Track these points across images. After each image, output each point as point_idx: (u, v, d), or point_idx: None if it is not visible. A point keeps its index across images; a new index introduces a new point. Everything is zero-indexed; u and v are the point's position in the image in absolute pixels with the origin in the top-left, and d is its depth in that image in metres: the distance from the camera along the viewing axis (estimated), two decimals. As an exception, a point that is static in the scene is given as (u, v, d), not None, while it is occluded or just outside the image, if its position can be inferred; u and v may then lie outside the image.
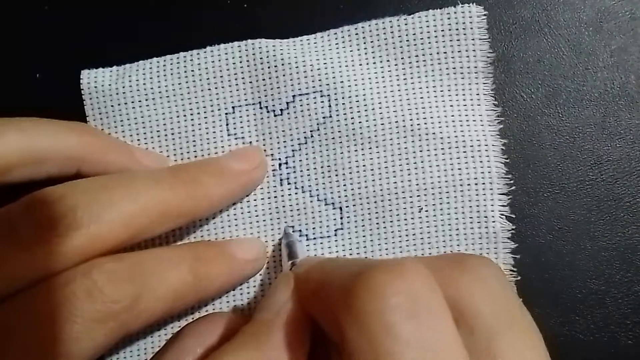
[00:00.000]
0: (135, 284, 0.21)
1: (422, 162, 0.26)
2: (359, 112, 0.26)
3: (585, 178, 0.26)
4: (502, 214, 0.25)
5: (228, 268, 0.25)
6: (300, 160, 0.26)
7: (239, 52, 0.26)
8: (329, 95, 0.26)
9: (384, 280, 0.17)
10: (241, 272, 0.25)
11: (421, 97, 0.26)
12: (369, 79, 0.26)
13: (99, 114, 0.27)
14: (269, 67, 0.26)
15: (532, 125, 0.26)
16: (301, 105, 0.26)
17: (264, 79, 0.26)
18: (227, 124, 0.27)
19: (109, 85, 0.27)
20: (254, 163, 0.25)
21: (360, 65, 0.26)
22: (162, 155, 0.26)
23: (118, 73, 0.27)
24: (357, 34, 0.26)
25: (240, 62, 0.26)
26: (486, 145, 0.26)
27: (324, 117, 0.26)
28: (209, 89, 0.26)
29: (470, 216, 0.25)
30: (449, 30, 0.26)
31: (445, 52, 0.26)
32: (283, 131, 0.26)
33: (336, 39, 0.26)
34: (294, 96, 0.26)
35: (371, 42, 0.26)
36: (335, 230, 0.26)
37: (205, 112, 0.27)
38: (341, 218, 0.26)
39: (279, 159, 0.26)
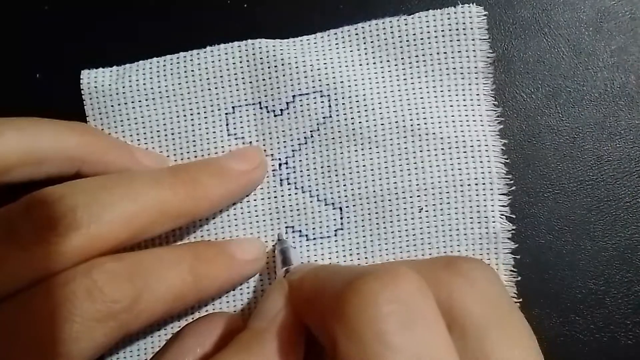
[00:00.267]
0: (135, 283, 0.21)
1: (422, 162, 0.26)
2: (359, 112, 0.26)
3: (585, 178, 0.26)
4: (502, 214, 0.25)
5: (228, 268, 0.25)
6: (300, 160, 0.26)
7: (239, 52, 0.26)
8: (329, 95, 0.26)
9: (376, 288, 0.17)
10: (241, 272, 0.25)
11: (421, 97, 0.26)
12: (369, 79, 0.26)
13: (99, 114, 0.27)
14: (269, 67, 0.26)
15: (532, 126, 0.26)
16: (301, 105, 0.26)
17: (264, 79, 0.26)
18: (227, 124, 0.27)
19: (109, 85, 0.27)
20: (254, 163, 0.25)
21: (360, 65, 0.26)
22: (162, 155, 0.26)
23: (118, 73, 0.27)
24: (357, 34, 0.26)
25: (240, 62, 0.26)
26: (486, 145, 0.26)
27: (324, 117, 0.26)
28: (209, 89, 0.26)
29: (470, 216, 0.25)
30: (449, 30, 0.26)
31: (445, 52, 0.26)
32: (283, 131, 0.26)
33: (336, 39, 0.26)
34: (294, 96, 0.26)
35: (371, 42, 0.26)
36: (335, 231, 0.26)
37: (205, 112, 0.27)
38: (341, 218, 0.26)
39: (279, 159, 0.26)
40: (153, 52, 0.27)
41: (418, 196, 0.26)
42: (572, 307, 0.26)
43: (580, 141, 0.26)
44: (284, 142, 0.26)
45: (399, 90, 0.26)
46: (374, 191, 0.26)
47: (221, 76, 0.26)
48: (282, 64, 0.26)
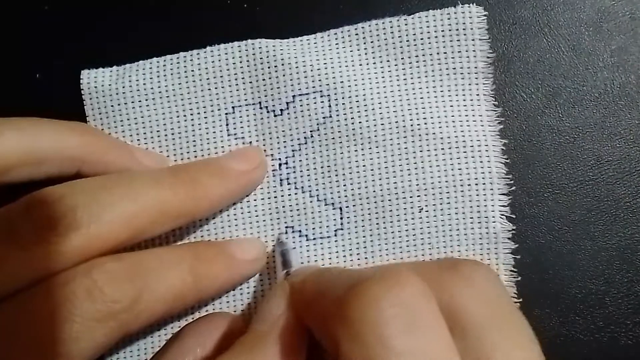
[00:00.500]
0: (135, 283, 0.21)
1: (422, 162, 0.26)
2: (359, 112, 0.26)
3: (585, 178, 0.26)
4: (503, 214, 0.25)
5: (228, 268, 0.25)
6: (300, 161, 0.26)
7: (239, 52, 0.26)
8: (329, 95, 0.26)
9: (379, 291, 0.17)
10: (241, 272, 0.25)
11: (421, 97, 0.26)
12: (369, 79, 0.26)
13: (99, 114, 0.27)
14: (269, 67, 0.26)
15: (532, 126, 0.26)
16: (301, 105, 0.26)
17: (264, 79, 0.26)
18: (227, 124, 0.27)
19: (109, 85, 0.27)
20: (254, 163, 0.25)
21: (360, 65, 0.26)
22: (162, 155, 0.26)
23: (118, 73, 0.27)
24: (357, 34, 0.26)
25: (240, 62, 0.26)
26: (486, 145, 0.26)
27: (324, 117, 0.26)
28: (209, 89, 0.26)
29: (470, 216, 0.25)
30: (449, 30, 0.26)
31: (445, 52, 0.26)
32: (283, 131, 0.26)
33: (336, 39, 0.26)
34: (294, 96, 0.26)
35: (371, 42, 0.26)
36: (335, 231, 0.26)
37: (205, 112, 0.27)
38: (341, 218, 0.26)
39: (279, 159, 0.26)
40: (153, 52, 0.27)
41: (418, 196, 0.26)
42: (572, 307, 0.26)
43: (580, 141, 0.26)
44: (284, 142, 0.26)
45: (399, 90, 0.26)
46: (374, 191, 0.26)
47: (221, 76, 0.26)
48: (282, 64, 0.26)
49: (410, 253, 0.26)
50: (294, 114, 0.26)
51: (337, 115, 0.26)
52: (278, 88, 0.26)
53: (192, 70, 0.26)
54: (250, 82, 0.26)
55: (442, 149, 0.26)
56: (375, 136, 0.26)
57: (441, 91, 0.26)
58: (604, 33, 0.26)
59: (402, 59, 0.26)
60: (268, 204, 0.26)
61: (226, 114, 0.27)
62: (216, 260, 0.24)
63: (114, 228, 0.21)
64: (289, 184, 0.26)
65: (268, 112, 0.26)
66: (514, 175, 0.26)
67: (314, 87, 0.26)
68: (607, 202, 0.26)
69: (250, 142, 0.26)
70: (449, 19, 0.26)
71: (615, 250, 0.26)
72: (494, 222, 0.25)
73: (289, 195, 0.26)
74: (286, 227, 0.26)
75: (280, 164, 0.26)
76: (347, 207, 0.26)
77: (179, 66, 0.26)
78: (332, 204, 0.26)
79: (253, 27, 0.27)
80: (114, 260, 0.21)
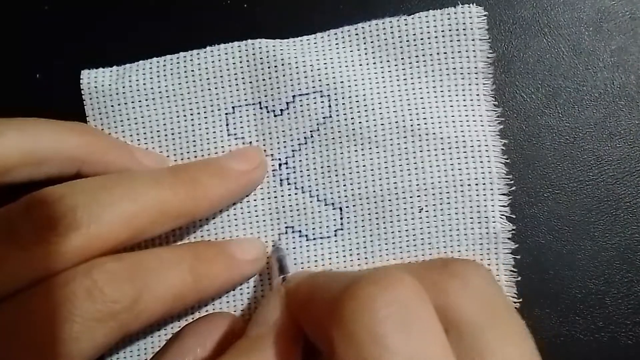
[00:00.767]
0: (135, 284, 0.21)
1: (422, 162, 0.26)
2: (359, 112, 0.26)
3: (585, 178, 0.26)
4: (503, 214, 0.25)
5: (228, 268, 0.25)
6: (300, 161, 0.26)
7: (239, 52, 0.26)
8: (329, 95, 0.26)
9: (373, 291, 0.17)
10: (241, 272, 0.25)
11: (421, 98, 0.26)
12: (369, 79, 0.26)
13: (99, 114, 0.27)
14: (269, 67, 0.26)
15: (532, 126, 0.26)
16: (301, 105, 0.26)
17: (264, 79, 0.26)
18: (227, 124, 0.27)
19: (109, 85, 0.27)
20: (254, 163, 0.25)
21: (360, 65, 0.26)
22: (162, 155, 0.26)
23: (118, 73, 0.27)
24: (357, 34, 0.26)
25: (240, 62, 0.26)
26: (486, 145, 0.26)
27: (324, 117, 0.26)
28: (209, 89, 0.26)
29: (470, 216, 0.25)
30: (449, 30, 0.26)
31: (445, 53, 0.26)
32: (283, 131, 0.26)
33: (336, 39, 0.26)
34: (294, 96, 0.26)
35: (371, 42, 0.26)
36: (335, 231, 0.26)
37: (205, 112, 0.27)
38: (341, 218, 0.26)
39: (279, 159, 0.26)
40: (153, 52, 0.27)
41: (418, 196, 0.26)
42: (572, 307, 0.26)
43: (580, 141, 0.26)
44: (284, 142, 0.26)
45: (399, 90, 0.26)
46: (374, 191, 0.26)
47: (221, 76, 0.26)
48: (282, 64, 0.26)
49: (410, 253, 0.26)
50: (294, 114, 0.26)
51: (337, 115, 0.26)
52: (278, 88, 0.26)
53: (192, 70, 0.26)
54: (250, 82, 0.26)
55: (442, 149, 0.26)
56: (375, 136, 0.26)
57: (441, 91, 0.26)
58: (604, 33, 0.26)
59: (402, 59, 0.26)
60: (268, 204, 0.26)
61: (226, 114, 0.27)
62: (216, 260, 0.24)
63: (114, 228, 0.21)
64: (289, 184, 0.26)
65: (268, 112, 0.26)
66: (514, 175, 0.26)
67: (314, 87, 0.26)
68: (607, 202, 0.26)
69: (250, 142, 0.26)
70: (449, 19, 0.26)
71: (616, 250, 0.26)
72: (494, 222, 0.25)
73: (289, 195, 0.26)
74: (286, 227, 0.26)
75: (280, 164, 0.26)
76: (347, 207, 0.26)
77: (179, 66, 0.26)
78: (332, 204, 0.26)
79: (253, 27, 0.27)
80: (114, 261, 0.21)
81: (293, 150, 0.26)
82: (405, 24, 0.26)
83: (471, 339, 0.19)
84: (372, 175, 0.26)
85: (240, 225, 0.26)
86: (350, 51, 0.26)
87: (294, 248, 0.26)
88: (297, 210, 0.26)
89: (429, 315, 0.17)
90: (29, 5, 0.28)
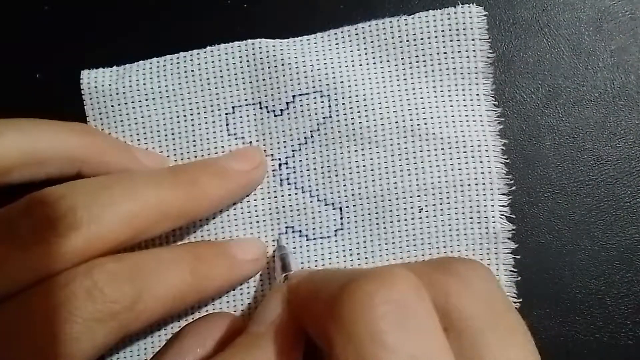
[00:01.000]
0: (136, 284, 0.21)
1: (422, 162, 0.26)
2: (359, 112, 0.26)
3: (585, 178, 0.26)
4: (502, 214, 0.25)
5: (228, 268, 0.25)
6: (300, 161, 0.26)
7: (239, 52, 0.26)
8: (329, 95, 0.26)
9: (371, 289, 0.17)
10: (241, 273, 0.25)
11: (421, 97, 0.26)
12: (369, 79, 0.26)
13: (99, 114, 0.27)
14: (269, 67, 0.26)
15: (532, 126, 0.26)
16: (301, 105, 0.26)
17: (264, 79, 0.26)
18: (227, 124, 0.27)
19: (109, 85, 0.27)
20: (254, 163, 0.25)
21: (360, 65, 0.26)
22: (162, 155, 0.26)
23: (118, 73, 0.27)
24: (357, 34, 0.26)
25: (240, 62, 0.26)
26: (486, 145, 0.26)
27: (324, 117, 0.26)
28: (209, 89, 0.26)
29: (470, 216, 0.25)
30: (449, 30, 0.26)
31: (445, 52, 0.26)
32: (283, 131, 0.26)
33: (336, 39, 0.26)
34: (294, 96, 0.26)
35: (371, 42, 0.26)
36: (335, 231, 0.26)
37: (205, 112, 0.27)
38: (341, 218, 0.26)
39: (279, 159, 0.26)
40: (153, 52, 0.27)
41: (418, 196, 0.26)
42: (572, 307, 0.26)
43: (580, 141, 0.26)
44: (284, 142, 0.26)
45: (399, 90, 0.26)
46: (374, 191, 0.26)
47: (221, 76, 0.26)
48: (282, 64, 0.26)
49: (410, 253, 0.26)
50: (294, 114, 0.26)
51: (337, 115, 0.26)
52: (278, 88, 0.26)
53: (192, 70, 0.26)
54: (250, 82, 0.26)
55: (442, 149, 0.26)
56: (375, 136, 0.26)
57: (441, 91, 0.26)
58: (604, 33, 0.26)
59: (402, 59, 0.26)
60: (268, 204, 0.26)
61: (226, 114, 0.27)
62: (217, 260, 0.24)
63: (114, 228, 0.21)
64: (289, 184, 0.26)
65: (268, 112, 0.26)
66: (514, 175, 0.26)
67: (314, 87, 0.26)
68: (607, 202, 0.26)
69: (250, 142, 0.26)
70: (449, 19, 0.26)
71: (615, 250, 0.26)
72: (494, 222, 0.25)
73: (289, 195, 0.26)
74: (286, 227, 0.26)
75: (280, 164, 0.26)
76: (347, 207, 0.26)
77: (179, 66, 0.26)
78: (332, 204, 0.26)
79: (253, 27, 0.27)
80: (114, 261, 0.21)
81: (293, 150, 0.26)
82: (405, 24, 0.26)
83: (471, 340, 0.19)
84: (372, 175, 0.26)
85: (240, 225, 0.26)
86: (350, 51, 0.26)
87: (294, 248, 0.26)
88: (297, 210, 0.26)
89: (428, 312, 0.17)
90: (29, 5, 0.28)
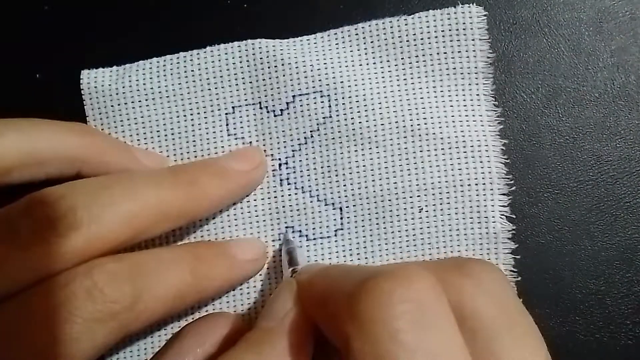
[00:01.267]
0: (136, 284, 0.21)
1: (422, 162, 0.26)
2: (359, 112, 0.26)
3: (586, 178, 0.26)
4: (503, 214, 0.25)
5: (228, 268, 0.25)
6: (300, 161, 0.26)
7: (239, 52, 0.26)
8: (329, 95, 0.26)
9: (390, 287, 0.17)
10: (241, 273, 0.25)
11: (421, 97, 0.26)
12: (369, 79, 0.26)
13: (99, 114, 0.27)
14: (269, 67, 0.26)
15: (532, 126, 0.26)
16: (301, 105, 0.26)
17: (264, 79, 0.26)
18: (227, 124, 0.27)
19: (109, 85, 0.27)
20: (254, 163, 0.25)
21: (360, 65, 0.26)
22: (162, 156, 0.26)
23: (118, 73, 0.27)
24: (357, 34, 0.26)
25: (240, 62, 0.26)
26: (486, 145, 0.26)
27: (324, 117, 0.26)
28: (209, 89, 0.26)
29: (470, 216, 0.25)
30: (449, 30, 0.26)
31: (445, 53, 0.26)
32: (283, 131, 0.26)
33: (336, 39, 0.26)
34: (294, 96, 0.26)
35: (371, 42, 0.26)
36: (335, 231, 0.26)
37: (205, 112, 0.27)
38: (341, 218, 0.26)
39: (279, 159, 0.26)
40: (153, 52, 0.27)
41: (418, 196, 0.26)
42: (572, 307, 0.26)
43: (580, 141, 0.26)
44: (284, 142, 0.26)
45: (399, 90, 0.26)
46: (374, 191, 0.26)
47: (221, 76, 0.26)
48: (282, 64, 0.26)
49: (410, 253, 0.26)
50: (294, 114, 0.26)
51: (337, 115, 0.26)
52: (278, 88, 0.26)
53: (192, 70, 0.26)
54: (250, 82, 0.26)
55: (442, 149, 0.26)
56: (375, 136, 0.26)
57: (441, 91, 0.26)
58: (604, 33, 0.26)
59: (402, 59, 0.26)
60: (268, 204, 0.26)
61: (226, 114, 0.27)
62: (217, 260, 0.24)
63: (114, 228, 0.21)
64: (289, 184, 0.26)
65: (268, 112, 0.26)
66: (514, 175, 0.26)
67: (314, 87, 0.26)
68: (607, 202, 0.26)
69: (250, 142, 0.26)
70: (449, 19, 0.26)
71: (616, 250, 0.26)
72: (494, 222, 0.25)
73: (289, 195, 0.26)
74: (286, 227, 0.26)
75: (280, 164, 0.26)
76: (347, 207, 0.26)
77: (179, 66, 0.26)
78: (332, 204, 0.26)
79: (253, 27, 0.27)
80: (114, 261, 0.21)
81: (293, 150, 0.26)
82: (405, 24, 0.26)
83: (487, 340, 0.19)
84: (372, 175, 0.26)
85: (240, 225, 0.26)
86: (350, 51, 0.26)
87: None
88: (297, 210, 0.26)
89: (446, 312, 0.17)
90: (29, 5, 0.28)
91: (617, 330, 0.26)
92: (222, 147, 0.26)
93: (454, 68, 0.26)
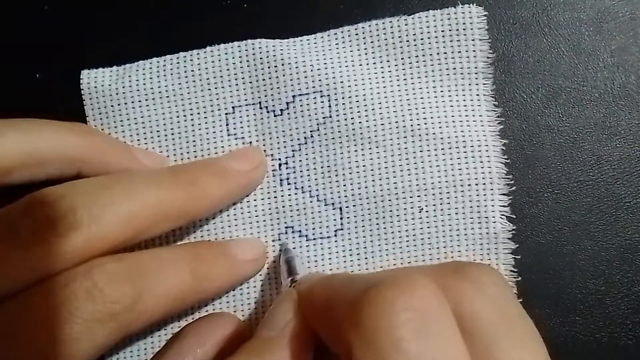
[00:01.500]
0: (136, 284, 0.21)
1: (422, 162, 0.26)
2: (359, 112, 0.26)
3: (586, 178, 0.26)
4: (503, 215, 0.25)
5: (228, 269, 0.25)
6: (300, 161, 0.26)
7: (239, 52, 0.26)
8: (329, 95, 0.26)
9: (393, 296, 0.17)
10: (241, 273, 0.25)
11: (421, 98, 0.26)
12: (369, 79, 0.26)
13: (98, 114, 0.27)
14: (269, 67, 0.26)
15: (532, 126, 0.26)
16: (301, 105, 0.26)
17: (264, 79, 0.26)
18: (227, 124, 0.27)
19: (109, 85, 0.27)
20: (254, 163, 0.25)
21: (360, 65, 0.26)
22: (162, 156, 0.26)
23: (118, 73, 0.27)
24: (357, 34, 0.26)
25: (240, 62, 0.26)
26: (486, 145, 0.26)
27: (324, 117, 0.26)
28: (209, 89, 0.26)
29: (470, 216, 0.25)
30: (449, 30, 0.26)
31: (445, 53, 0.26)
32: (283, 131, 0.26)
33: (336, 39, 0.26)
34: (294, 96, 0.26)
35: (371, 42, 0.26)
36: (335, 231, 0.26)
37: (205, 112, 0.27)
38: (341, 218, 0.26)
39: (279, 159, 0.26)
40: (153, 52, 0.27)
41: (418, 196, 0.26)
42: (572, 307, 0.26)
43: (580, 141, 0.26)
44: (284, 142, 0.26)
45: (399, 90, 0.26)
46: (374, 191, 0.26)
47: (221, 76, 0.26)
48: (282, 64, 0.26)
49: (410, 253, 0.26)
50: (294, 114, 0.26)
51: (337, 115, 0.26)
52: (278, 88, 0.26)
53: (192, 70, 0.26)
54: (250, 82, 0.26)
55: (442, 149, 0.26)
56: (375, 136, 0.26)
57: (441, 91, 0.26)
58: (604, 33, 0.26)
59: (402, 59, 0.26)
60: (268, 204, 0.26)
61: (226, 114, 0.27)
62: (217, 260, 0.24)
63: (114, 228, 0.21)
64: (289, 184, 0.26)
65: (268, 112, 0.26)
66: (514, 175, 0.26)
67: (314, 87, 0.26)
68: (608, 202, 0.26)
69: (250, 142, 0.26)
70: (449, 19, 0.26)
71: (616, 250, 0.26)
72: (494, 222, 0.25)
73: (289, 195, 0.26)
74: (286, 227, 0.26)
75: (280, 164, 0.26)
76: (347, 207, 0.26)
77: (179, 66, 0.26)
78: (332, 204, 0.26)
79: (253, 27, 0.27)
80: (114, 261, 0.21)
81: (293, 150, 0.26)
82: (405, 24, 0.26)
83: (486, 346, 0.19)
84: (372, 175, 0.26)
85: (240, 225, 0.26)
86: (350, 51, 0.26)
87: (294, 248, 0.26)
88: (297, 210, 0.26)
89: (448, 320, 0.17)
90: (29, 5, 0.28)
91: (617, 330, 0.26)
92: (222, 147, 0.26)
93: (454, 68, 0.26)
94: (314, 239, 0.26)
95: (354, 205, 0.26)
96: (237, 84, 0.26)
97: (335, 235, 0.26)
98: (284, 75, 0.26)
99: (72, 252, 0.20)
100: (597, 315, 0.26)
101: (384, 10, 0.27)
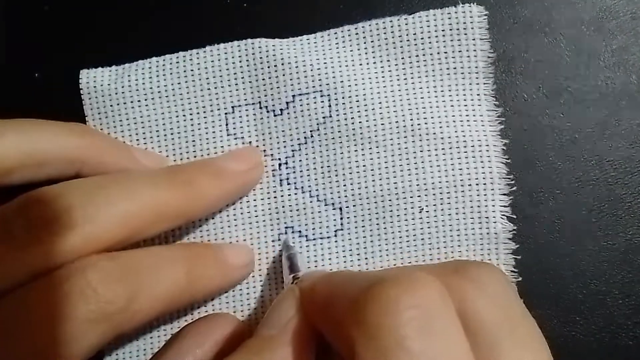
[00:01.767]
0: (129, 284, 0.21)
1: (422, 162, 0.26)
2: (359, 112, 0.26)
3: (586, 178, 0.26)
4: (503, 215, 0.25)
5: (221, 272, 0.24)
6: (300, 161, 0.26)
7: (239, 52, 0.26)
8: (329, 95, 0.26)
9: (397, 293, 0.17)
10: (232, 277, 0.25)
11: (422, 97, 0.26)
12: (369, 79, 0.26)
13: (98, 114, 0.27)
14: (269, 67, 0.26)
15: (533, 126, 0.26)
16: (301, 105, 0.26)
17: (264, 79, 0.26)
18: (226, 124, 0.27)
19: (109, 85, 0.27)
20: (251, 163, 0.25)
21: (360, 65, 0.26)
22: (162, 155, 0.26)
23: (117, 73, 0.27)
24: (357, 34, 0.26)
25: (240, 62, 0.26)
26: (487, 145, 0.26)
27: (324, 117, 0.26)
28: (209, 89, 0.26)
29: (471, 217, 0.25)
30: (450, 30, 0.26)
31: (445, 52, 0.26)
32: (283, 131, 0.26)
33: (336, 39, 0.26)
34: (294, 96, 0.26)
35: (371, 42, 0.26)
36: (335, 231, 0.26)
37: (205, 112, 0.27)
38: (341, 218, 0.26)
39: (279, 159, 0.26)
40: (153, 52, 0.27)
41: (418, 196, 0.26)
42: (572, 308, 0.26)
43: (581, 141, 0.26)
44: (284, 142, 0.26)
45: (399, 90, 0.26)
46: (374, 191, 0.26)
47: (221, 76, 0.26)
48: (282, 64, 0.26)
49: (411, 253, 0.26)
50: (294, 114, 0.26)
51: (337, 115, 0.26)
52: (278, 88, 0.26)
53: (192, 70, 0.26)
54: (250, 82, 0.26)
55: (443, 149, 0.26)
56: (375, 136, 0.26)
57: (441, 91, 0.26)
58: (606, 33, 0.26)
59: (403, 58, 0.26)
60: (268, 204, 0.26)
61: (226, 114, 0.27)
62: (210, 263, 0.24)
63: (109, 228, 0.21)
64: (289, 184, 0.26)
65: (268, 112, 0.26)
66: (514, 175, 0.26)
67: (314, 87, 0.26)
68: (608, 202, 0.26)
69: (250, 142, 0.26)
70: (449, 18, 0.26)
71: (617, 250, 0.26)
72: (495, 222, 0.25)
73: (289, 195, 0.26)
74: (286, 227, 0.26)
75: (280, 164, 0.26)
76: (347, 207, 0.26)
77: (178, 66, 0.26)
78: (332, 204, 0.26)
79: (253, 27, 0.27)
80: (108, 260, 0.21)
81: (293, 150, 0.26)
82: (406, 24, 0.26)
83: (489, 345, 0.19)
84: (372, 175, 0.26)
85: (239, 225, 0.26)
86: (350, 51, 0.26)
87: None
88: (297, 210, 0.26)
89: (452, 318, 0.17)
90: (29, 5, 0.28)
91: (617, 330, 0.26)
92: (222, 147, 0.26)
93: (455, 68, 0.26)
94: (314, 239, 0.26)
95: (354, 205, 0.26)
96: (236, 84, 0.26)
97: (335, 236, 0.26)
98: (283, 75, 0.26)
99: (67, 252, 0.20)
100: (598, 315, 0.26)
101: (384, 10, 0.27)
